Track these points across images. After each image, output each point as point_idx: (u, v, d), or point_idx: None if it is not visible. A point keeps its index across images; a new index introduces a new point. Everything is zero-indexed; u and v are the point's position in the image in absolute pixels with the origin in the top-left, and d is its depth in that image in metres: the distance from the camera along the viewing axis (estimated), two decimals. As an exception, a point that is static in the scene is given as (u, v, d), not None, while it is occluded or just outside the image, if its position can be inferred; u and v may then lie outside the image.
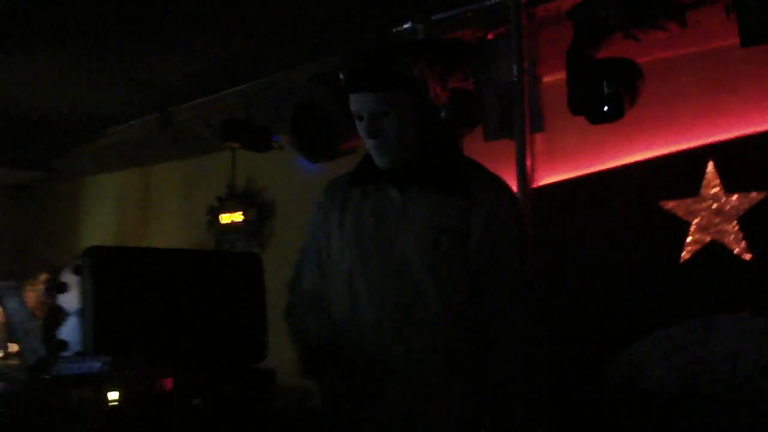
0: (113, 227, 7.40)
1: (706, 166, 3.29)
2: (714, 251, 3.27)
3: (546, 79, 3.57)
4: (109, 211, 7.54)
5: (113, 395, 1.49)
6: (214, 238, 5.94)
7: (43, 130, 6.00)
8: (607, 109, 2.93)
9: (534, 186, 3.59)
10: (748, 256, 3.18)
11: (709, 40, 3.22)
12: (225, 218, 5.85)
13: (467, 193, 1.97)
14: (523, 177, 3.37)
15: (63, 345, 2.13)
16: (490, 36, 3.48)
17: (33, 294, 6.31)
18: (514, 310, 1.94)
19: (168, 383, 1.69)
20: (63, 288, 2.24)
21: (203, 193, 6.07)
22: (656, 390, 3.08)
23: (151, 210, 6.96)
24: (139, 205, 7.10)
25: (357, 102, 2.01)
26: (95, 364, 1.74)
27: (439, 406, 1.94)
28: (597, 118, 3.01)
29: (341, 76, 2.15)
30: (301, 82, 4.26)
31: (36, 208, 8.43)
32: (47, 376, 1.62)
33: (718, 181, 3.28)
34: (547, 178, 3.67)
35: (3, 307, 3.45)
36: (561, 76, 3.33)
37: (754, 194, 3.20)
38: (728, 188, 3.25)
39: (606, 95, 2.90)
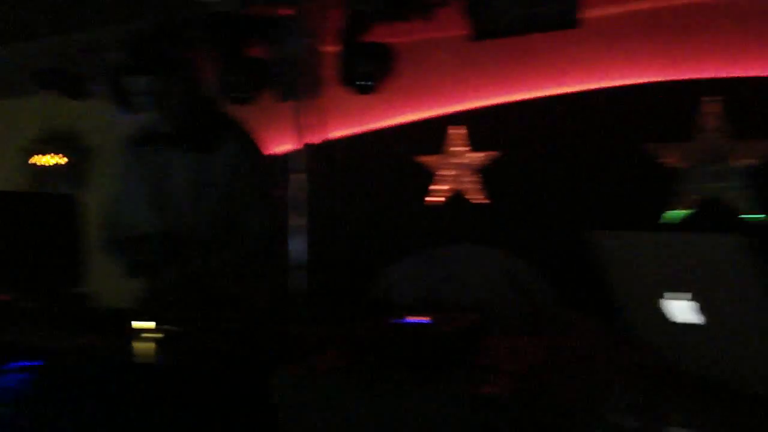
0: None
1: (453, 129, 4.10)
2: (455, 198, 4.12)
3: (332, 53, 4.10)
4: None
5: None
6: (29, 180, 5.93)
7: None
8: (364, 84, 3.61)
9: (317, 141, 4.24)
10: (482, 203, 4.04)
11: (456, 28, 3.85)
12: (41, 160, 5.90)
13: (222, 148, 2.35)
14: (299, 134, 4.02)
15: None
16: (288, 13, 3.99)
17: None
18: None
19: (4, 297, 2.21)
20: None
21: (16, 136, 5.98)
22: (403, 304, 3.85)
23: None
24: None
25: (129, 82, 2.29)
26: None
27: None
28: (359, 90, 3.69)
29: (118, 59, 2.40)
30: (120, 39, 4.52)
31: None
32: None
33: (462, 141, 4.11)
34: (329, 134, 4.33)
35: None
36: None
37: (491, 153, 4.06)
38: (471, 147, 4.08)
39: (362, 72, 3.56)
